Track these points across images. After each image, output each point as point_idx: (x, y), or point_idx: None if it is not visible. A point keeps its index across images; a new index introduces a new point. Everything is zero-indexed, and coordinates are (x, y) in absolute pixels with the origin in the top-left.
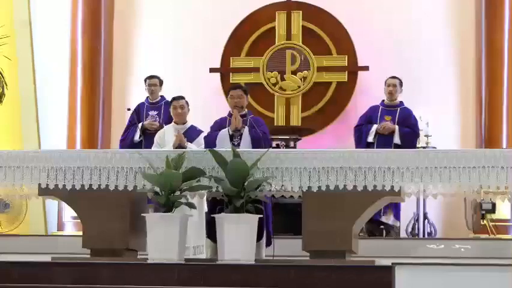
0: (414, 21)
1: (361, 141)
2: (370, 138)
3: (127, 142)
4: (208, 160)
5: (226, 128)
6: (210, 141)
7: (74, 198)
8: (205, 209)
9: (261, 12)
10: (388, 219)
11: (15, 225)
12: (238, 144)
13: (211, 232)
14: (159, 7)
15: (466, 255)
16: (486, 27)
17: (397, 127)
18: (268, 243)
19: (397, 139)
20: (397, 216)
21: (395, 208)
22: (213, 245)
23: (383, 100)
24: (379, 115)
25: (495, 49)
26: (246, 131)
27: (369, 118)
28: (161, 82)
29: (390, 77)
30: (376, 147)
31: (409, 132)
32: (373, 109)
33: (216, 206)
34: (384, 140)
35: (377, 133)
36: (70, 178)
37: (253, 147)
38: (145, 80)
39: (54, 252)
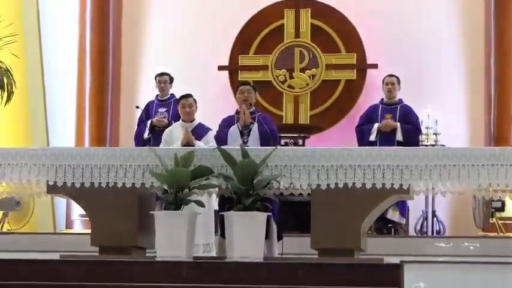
0: (423, 19)
1: (363, 140)
2: (372, 137)
3: (137, 140)
4: (217, 158)
5: (236, 125)
6: (221, 140)
7: (83, 196)
8: (215, 206)
9: (269, 10)
10: (394, 216)
11: (22, 223)
12: (247, 141)
13: (223, 230)
14: (167, 5)
15: (475, 253)
16: (495, 25)
17: (398, 124)
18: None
19: (399, 136)
20: (403, 213)
21: (401, 205)
22: (222, 242)
23: (382, 99)
24: (379, 114)
25: (504, 47)
26: (255, 127)
27: (369, 117)
28: (171, 79)
29: (388, 75)
30: (379, 146)
31: (411, 128)
32: (373, 108)
33: (224, 203)
34: (386, 138)
35: (379, 131)
36: (78, 176)
37: (261, 144)
38: (155, 77)
39: (63, 250)
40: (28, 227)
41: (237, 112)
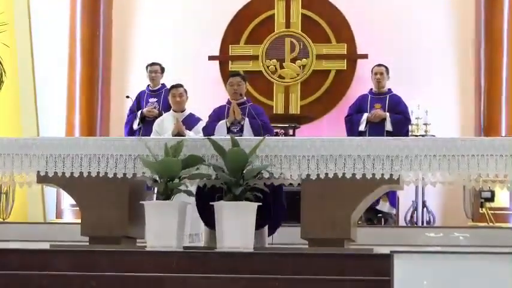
0: (414, 9)
1: (352, 130)
2: (362, 127)
3: (127, 129)
4: (207, 148)
5: (224, 120)
6: (209, 133)
7: (73, 185)
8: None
9: (260, 0)
10: (384, 206)
11: (6, 213)
12: (237, 134)
13: (204, 218)
14: None
15: (465, 243)
16: (486, 15)
17: (388, 114)
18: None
19: (388, 126)
20: (393, 204)
21: (391, 195)
22: (210, 232)
23: (371, 89)
24: (368, 104)
25: (494, 38)
26: (246, 122)
27: (358, 107)
28: (163, 69)
29: (376, 65)
30: (368, 136)
31: (401, 118)
32: (362, 98)
33: (215, 193)
34: (376, 128)
35: (368, 121)
36: (69, 166)
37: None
38: (146, 67)
39: (53, 240)
40: (20, 217)
41: (229, 102)
